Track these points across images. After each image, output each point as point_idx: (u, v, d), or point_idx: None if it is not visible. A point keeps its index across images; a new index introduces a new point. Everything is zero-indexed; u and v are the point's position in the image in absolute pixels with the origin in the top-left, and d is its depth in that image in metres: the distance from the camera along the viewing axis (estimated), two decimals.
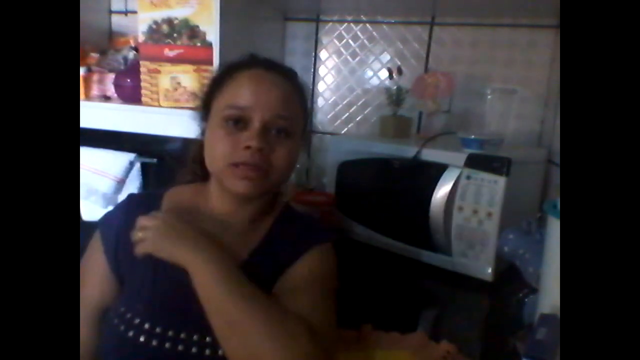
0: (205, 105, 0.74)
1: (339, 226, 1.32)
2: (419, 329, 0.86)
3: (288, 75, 0.72)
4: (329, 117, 1.64)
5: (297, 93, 0.72)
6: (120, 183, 1.28)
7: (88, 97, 1.38)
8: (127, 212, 0.73)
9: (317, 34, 1.60)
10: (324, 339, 0.61)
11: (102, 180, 1.27)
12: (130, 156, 1.27)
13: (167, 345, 0.63)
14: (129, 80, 1.29)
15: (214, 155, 0.69)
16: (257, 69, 0.70)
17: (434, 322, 0.99)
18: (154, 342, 0.63)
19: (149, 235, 0.65)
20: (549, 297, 0.76)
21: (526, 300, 0.92)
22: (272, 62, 0.73)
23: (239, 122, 0.67)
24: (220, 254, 0.64)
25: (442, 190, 1.09)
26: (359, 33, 1.56)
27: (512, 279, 1.01)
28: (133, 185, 1.29)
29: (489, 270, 1.07)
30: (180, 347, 0.63)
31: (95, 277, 0.71)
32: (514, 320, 0.91)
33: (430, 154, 1.13)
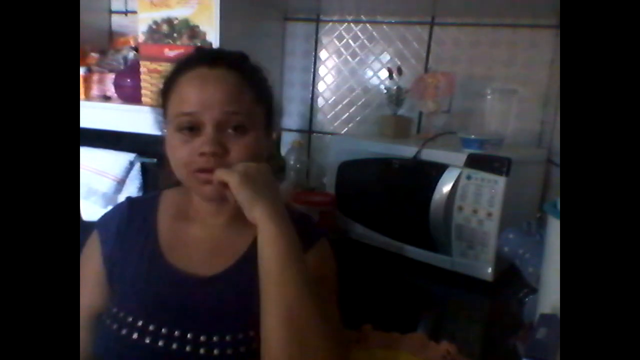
0: (163, 106, 0.71)
1: (339, 226, 1.32)
2: (419, 329, 0.86)
3: (235, 66, 0.68)
4: (329, 117, 1.64)
5: (249, 83, 0.68)
6: (120, 183, 1.28)
7: (88, 97, 1.38)
8: (126, 215, 0.73)
9: (317, 34, 1.60)
10: (341, 340, 0.62)
11: (102, 180, 1.27)
12: (130, 156, 1.27)
13: (161, 342, 0.63)
14: (129, 80, 1.29)
15: (175, 162, 0.67)
16: (199, 68, 0.67)
17: (434, 322, 0.99)
18: (147, 340, 0.63)
19: (235, 177, 0.62)
20: (549, 297, 0.76)
21: (526, 300, 0.92)
22: (215, 56, 0.69)
23: (192, 128, 0.65)
24: (289, 225, 0.62)
25: (442, 190, 1.09)
26: (359, 33, 1.56)
27: (512, 279, 1.01)
28: (133, 185, 1.29)
29: (489, 270, 1.07)
30: (174, 345, 0.63)
31: (92, 280, 0.71)
32: (514, 320, 0.91)
33: (430, 154, 1.13)
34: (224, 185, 0.62)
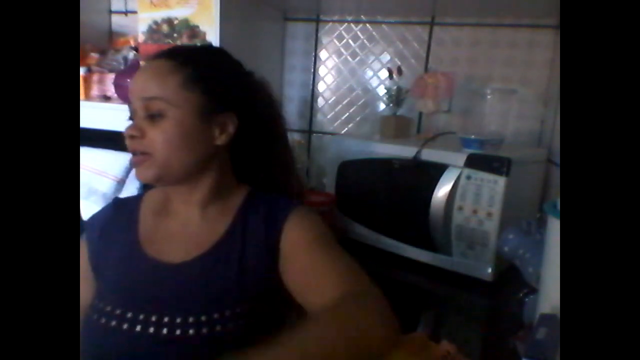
0: None
1: (339, 226, 1.32)
2: (419, 329, 0.86)
3: (171, 56, 0.69)
4: (329, 117, 1.64)
5: (179, 68, 0.67)
6: (120, 183, 1.28)
7: (88, 97, 1.38)
8: (111, 214, 0.77)
9: (317, 34, 1.60)
10: (369, 283, 0.64)
11: (102, 180, 1.27)
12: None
13: (138, 328, 0.64)
14: (129, 80, 1.29)
15: None
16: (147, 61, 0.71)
17: (434, 322, 0.99)
18: (125, 326, 0.64)
19: None
20: (549, 297, 0.76)
21: (526, 300, 0.92)
22: (166, 50, 0.72)
23: (131, 117, 0.69)
24: None
25: (442, 190, 1.09)
26: (359, 33, 1.56)
27: (512, 279, 1.01)
28: (133, 186, 1.29)
29: (489, 270, 1.07)
30: (151, 330, 0.64)
31: (82, 278, 0.72)
32: (514, 320, 0.91)
33: (430, 154, 1.13)
34: None
